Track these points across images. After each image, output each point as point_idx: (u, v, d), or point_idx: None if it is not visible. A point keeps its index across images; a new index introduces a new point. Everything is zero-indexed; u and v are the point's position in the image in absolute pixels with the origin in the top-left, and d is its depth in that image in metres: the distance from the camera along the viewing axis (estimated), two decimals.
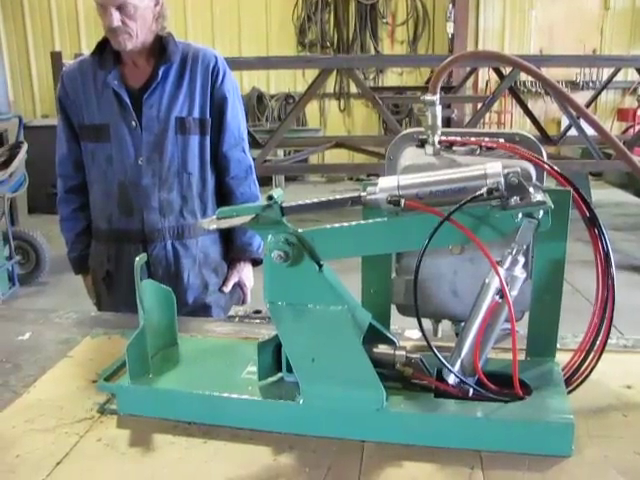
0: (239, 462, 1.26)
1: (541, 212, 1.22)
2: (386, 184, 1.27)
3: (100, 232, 2.46)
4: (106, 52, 2.33)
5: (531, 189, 1.22)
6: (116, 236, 2.40)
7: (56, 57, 6.81)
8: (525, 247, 1.27)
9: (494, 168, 1.21)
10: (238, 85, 2.51)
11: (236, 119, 2.43)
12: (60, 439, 1.34)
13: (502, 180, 1.20)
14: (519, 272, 1.27)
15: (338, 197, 1.33)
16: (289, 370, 1.40)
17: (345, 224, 1.30)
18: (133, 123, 2.31)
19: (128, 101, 2.31)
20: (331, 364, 1.32)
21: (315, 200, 1.36)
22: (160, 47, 2.33)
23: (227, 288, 2.50)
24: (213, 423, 1.38)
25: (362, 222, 1.32)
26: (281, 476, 1.22)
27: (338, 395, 1.32)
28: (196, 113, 2.35)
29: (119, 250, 2.41)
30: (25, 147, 5.60)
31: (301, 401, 1.34)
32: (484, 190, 1.19)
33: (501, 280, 1.24)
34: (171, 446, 1.32)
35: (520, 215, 1.22)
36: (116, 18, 2.17)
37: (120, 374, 1.49)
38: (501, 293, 1.26)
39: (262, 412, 1.37)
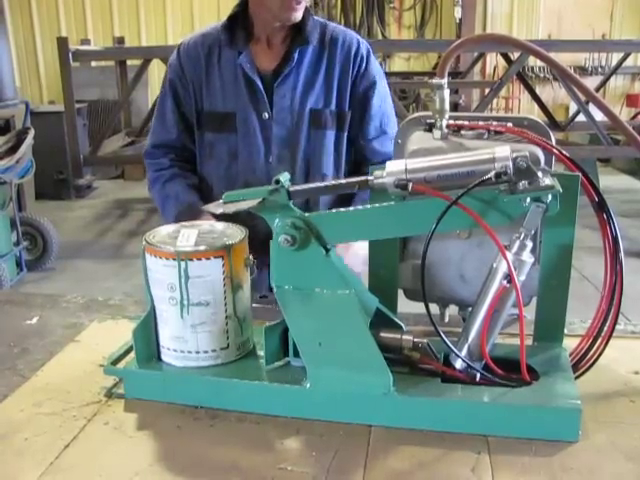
0: (246, 446, 1.27)
1: (550, 196, 1.21)
2: (394, 168, 1.26)
3: None
4: (237, 28, 2.03)
5: (539, 173, 1.21)
6: None
7: (62, 43, 6.80)
8: (533, 232, 1.26)
9: (503, 152, 1.20)
10: (382, 71, 2.17)
11: (380, 109, 2.09)
12: (68, 422, 1.35)
13: (510, 164, 1.19)
14: (527, 257, 1.26)
15: (345, 181, 1.33)
16: (296, 354, 1.40)
17: (352, 208, 1.30)
18: (265, 114, 2.03)
19: (261, 87, 2.02)
20: (338, 348, 1.32)
21: (323, 184, 1.36)
22: (295, 24, 2.00)
23: None
24: (220, 407, 1.38)
25: (369, 206, 1.31)
26: (288, 460, 1.22)
27: (345, 379, 1.32)
28: (333, 105, 2.04)
29: None
30: (32, 133, 5.59)
31: (308, 385, 1.35)
32: (492, 174, 1.18)
33: (509, 265, 1.24)
34: (178, 430, 1.32)
35: (528, 199, 1.21)
36: None
37: (127, 358, 1.49)
38: (509, 278, 1.25)
39: (269, 396, 1.37)
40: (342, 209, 1.31)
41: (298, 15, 1.94)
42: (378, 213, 1.30)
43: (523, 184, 1.20)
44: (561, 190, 1.21)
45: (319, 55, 2.04)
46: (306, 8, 1.99)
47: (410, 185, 1.23)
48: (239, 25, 2.03)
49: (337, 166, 2.10)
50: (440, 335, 1.29)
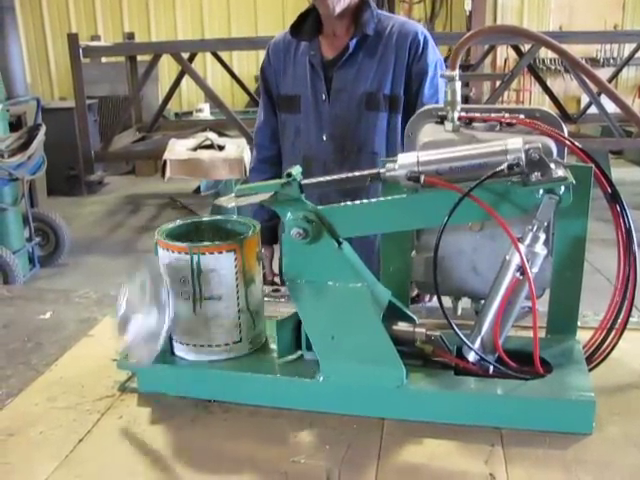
0: (260, 439, 1.27)
1: (562, 188, 1.21)
2: (405, 160, 1.26)
3: None
4: (307, 22, 2.27)
5: (552, 165, 1.20)
6: None
7: (72, 39, 6.82)
8: (546, 223, 1.25)
9: (515, 144, 1.20)
10: (442, 61, 2.28)
11: (434, 97, 2.20)
12: (82, 416, 1.35)
13: (523, 156, 1.18)
14: (540, 249, 1.26)
15: (357, 174, 1.33)
16: (309, 348, 1.40)
17: (365, 201, 1.30)
18: (323, 96, 2.26)
19: (321, 72, 2.26)
20: (351, 341, 1.32)
21: (334, 177, 1.35)
22: (357, 16, 2.22)
23: None
24: (233, 401, 1.39)
25: (381, 199, 1.31)
26: (301, 453, 1.22)
27: (358, 372, 1.32)
28: (387, 89, 2.21)
29: None
30: (43, 129, 5.61)
31: (321, 379, 1.35)
32: (505, 166, 1.18)
33: (522, 257, 1.23)
34: (192, 424, 1.33)
35: (541, 191, 1.20)
36: None
37: None
38: (522, 270, 1.25)
39: (282, 390, 1.38)
40: (355, 202, 1.31)
41: (333, 8, 2.12)
42: (390, 206, 1.29)
43: (536, 176, 1.19)
44: (574, 181, 1.20)
45: (375, 44, 2.22)
46: (365, 1, 2.22)
47: (422, 177, 1.22)
48: (309, 19, 2.26)
49: (389, 145, 2.25)
50: (452, 327, 1.29)
